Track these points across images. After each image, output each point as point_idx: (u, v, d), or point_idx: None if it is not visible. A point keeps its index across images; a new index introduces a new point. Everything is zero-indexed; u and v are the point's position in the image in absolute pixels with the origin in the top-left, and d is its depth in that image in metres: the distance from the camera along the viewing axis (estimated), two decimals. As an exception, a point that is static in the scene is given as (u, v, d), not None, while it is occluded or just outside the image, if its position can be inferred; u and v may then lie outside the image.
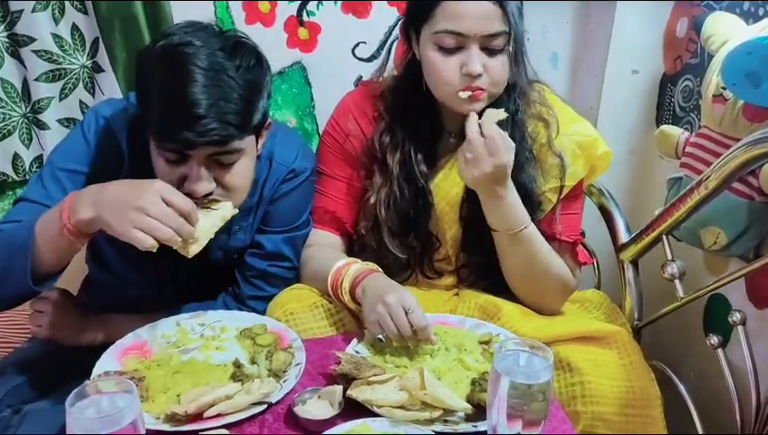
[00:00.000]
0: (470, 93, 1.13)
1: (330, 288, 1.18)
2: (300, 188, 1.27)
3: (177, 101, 0.98)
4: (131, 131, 1.13)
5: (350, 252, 1.33)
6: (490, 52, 1.12)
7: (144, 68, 1.04)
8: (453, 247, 1.30)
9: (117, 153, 1.14)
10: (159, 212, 0.91)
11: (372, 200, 1.26)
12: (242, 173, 1.09)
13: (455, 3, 1.10)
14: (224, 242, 1.25)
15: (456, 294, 1.32)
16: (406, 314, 1.04)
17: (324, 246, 1.30)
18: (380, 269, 1.20)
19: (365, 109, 1.30)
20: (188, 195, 1.01)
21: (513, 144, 1.12)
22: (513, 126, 1.21)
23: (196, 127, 0.98)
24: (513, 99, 1.22)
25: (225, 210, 1.03)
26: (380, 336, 1.10)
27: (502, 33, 1.11)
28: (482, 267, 1.29)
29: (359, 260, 1.21)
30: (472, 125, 1.11)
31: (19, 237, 0.98)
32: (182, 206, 0.94)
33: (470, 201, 1.25)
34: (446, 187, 1.27)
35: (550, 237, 1.25)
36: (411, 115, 1.24)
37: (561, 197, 1.25)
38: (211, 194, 1.06)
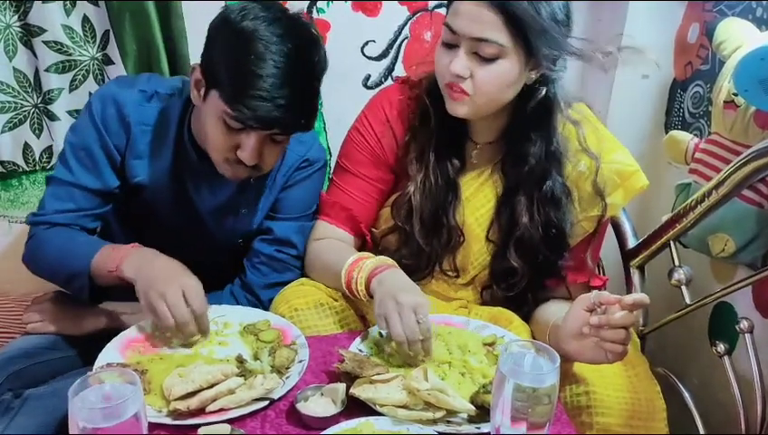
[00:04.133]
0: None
1: (344, 276, 1.14)
2: (313, 176, 1.29)
3: (269, 88, 1.03)
4: (140, 109, 1.19)
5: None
6: (480, 58, 1.08)
7: (235, 39, 1.05)
8: (477, 269, 1.27)
9: (126, 129, 1.19)
10: (174, 304, 1.02)
11: (411, 187, 1.21)
12: (282, 150, 1.17)
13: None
14: (230, 224, 1.27)
15: (465, 307, 1.29)
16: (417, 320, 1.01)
17: (337, 241, 1.27)
18: (398, 266, 1.15)
19: (401, 112, 1.25)
20: (238, 161, 1.10)
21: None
22: (550, 160, 1.18)
23: (282, 118, 1.05)
24: (549, 136, 1.18)
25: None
26: (383, 332, 1.08)
27: (493, 41, 1.05)
28: (505, 295, 1.26)
29: (374, 256, 1.17)
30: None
31: (78, 265, 1.14)
32: (196, 308, 1.05)
33: (499, 225, 1.23)
34: (477, 203, 1.25)
35: (574, 278, 1.24)
36: (441, 108, 1.18)
37: (596, 228, 1.23)
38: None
